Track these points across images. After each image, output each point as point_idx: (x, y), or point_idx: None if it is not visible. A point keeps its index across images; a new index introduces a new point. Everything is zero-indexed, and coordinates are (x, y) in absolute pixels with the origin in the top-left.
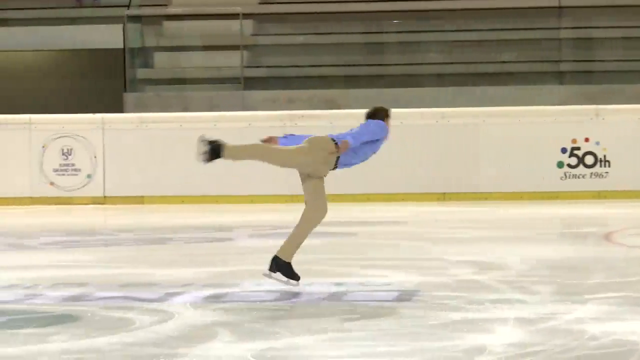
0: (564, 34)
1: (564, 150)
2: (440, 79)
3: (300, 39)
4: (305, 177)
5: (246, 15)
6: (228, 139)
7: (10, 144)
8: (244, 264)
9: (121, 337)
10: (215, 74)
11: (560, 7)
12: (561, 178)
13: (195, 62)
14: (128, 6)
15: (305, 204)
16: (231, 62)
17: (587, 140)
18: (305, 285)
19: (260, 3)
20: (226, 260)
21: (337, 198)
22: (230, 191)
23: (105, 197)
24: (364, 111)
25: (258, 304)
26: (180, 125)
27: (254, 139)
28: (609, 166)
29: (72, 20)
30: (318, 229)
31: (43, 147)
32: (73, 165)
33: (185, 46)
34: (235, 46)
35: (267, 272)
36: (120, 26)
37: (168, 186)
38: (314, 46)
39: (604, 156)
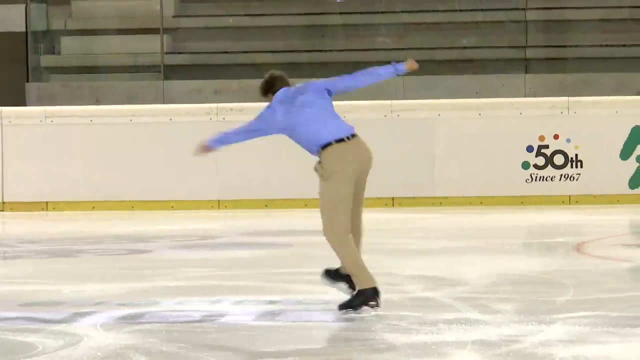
0: (531, 15)
1: (530, 149)
2: None
3: (229, 21)
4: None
5: None
6: (146, 135)
7: None
8: (164, 280)
9: None
10: (131, 61)
11: None
12: (527, 180)
13: (108, 48)
14: None
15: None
16: (150, 47)
17: (556, 137)
18: (234, 303)
19: None
20: (143, 275)
21: (270, 204)
22: (147, 196)
23: (3, 202)
24: None
25: (179, 326)
26: (91, 121)
27: (175, 135)
28: (582, 167)
29: None
30: (247, 238)
31: None
32: None
33: (97, 29)
34: (155, 29)
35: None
36: (22, 6)
37: (76, 191)
38: (246, 29)
39: (576, 155)
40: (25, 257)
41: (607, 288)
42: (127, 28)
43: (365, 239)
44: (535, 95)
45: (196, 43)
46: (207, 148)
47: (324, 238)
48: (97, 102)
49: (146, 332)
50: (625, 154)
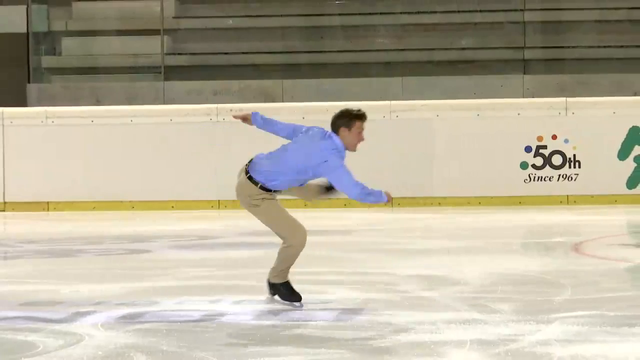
0: (529, 16)
1: (528, 149)
2: (389, 68)
3: (229, 22)
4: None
5: None
6: (146, 136)
7: None
8: (164, 279)
9: None
10: (132, 62)
11: None
12: (525, 181)
13: (109, 49)
14: None
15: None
16: (150, 48)
17: (554, 137)
18: (233, 303)
19: None
20: (143, 275)
21: None
22: (147, 196)
23: (5, 202)
24: (302, 104)
25: (179, 325)
26: (92, 121)
27: (175, 135)
28: (579, 167)
29: None
30: (246, 239)
31: None
32: None
33: (98, 30)
34: (155, 30)
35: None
36: (23, 7)
37: (77, 191)
38: (245, 30)
39: (574, 156)
40: (25, 257)
41: (605, 288)
42: (127, 29)
43: (357, 239)
44: (533, 96)
45: (196, 44)
46: (247, 118)
47: (322, 238)
48: (98, 102)
49: (146, 331)
50: (623, 154)
